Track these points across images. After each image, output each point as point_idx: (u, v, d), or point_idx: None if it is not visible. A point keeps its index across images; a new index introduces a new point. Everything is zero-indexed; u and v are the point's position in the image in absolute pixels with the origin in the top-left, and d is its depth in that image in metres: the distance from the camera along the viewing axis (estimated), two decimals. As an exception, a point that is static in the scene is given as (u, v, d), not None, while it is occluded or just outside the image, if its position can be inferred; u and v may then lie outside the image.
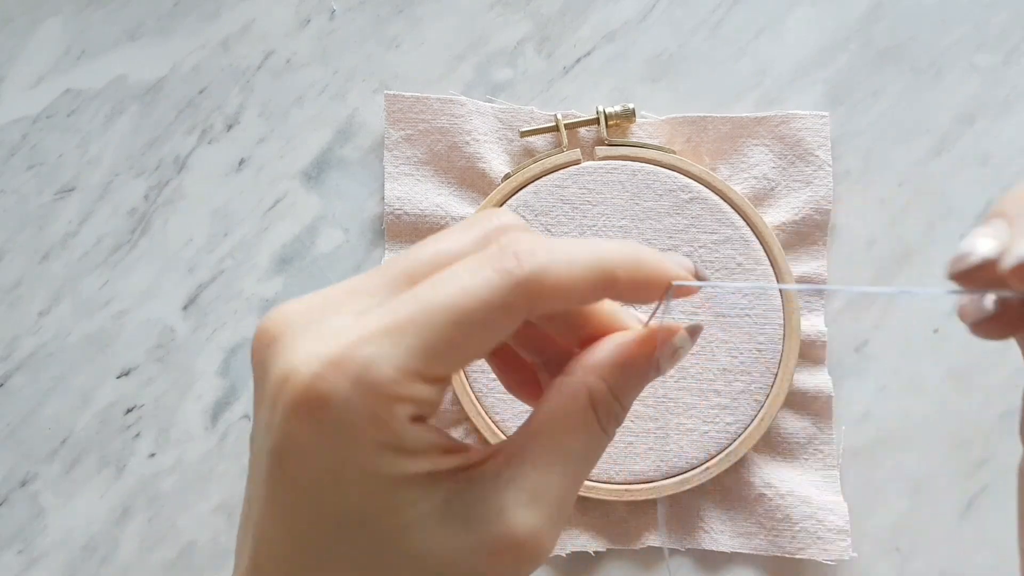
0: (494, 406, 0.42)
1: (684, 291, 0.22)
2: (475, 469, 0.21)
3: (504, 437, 0.42)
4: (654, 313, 0.23)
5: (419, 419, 0.20)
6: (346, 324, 0.19)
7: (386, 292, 0.20)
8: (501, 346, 0.24)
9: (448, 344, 0.19)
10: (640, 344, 0.23)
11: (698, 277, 0.23)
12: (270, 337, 0.20)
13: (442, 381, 0.20)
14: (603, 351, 0.23)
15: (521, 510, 0.21)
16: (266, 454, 0.20)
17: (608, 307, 0.24)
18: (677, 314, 0.42)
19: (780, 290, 0.42)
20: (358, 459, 0.19)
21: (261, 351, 0.20)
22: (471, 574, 0.21)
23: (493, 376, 0.42)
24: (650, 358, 0.23)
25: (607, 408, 0.22)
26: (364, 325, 0.19)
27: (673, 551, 0.43)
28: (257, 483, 0.21)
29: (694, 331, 0.24)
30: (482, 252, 0.20)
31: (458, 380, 0.42)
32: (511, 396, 0.42)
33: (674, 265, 0.22)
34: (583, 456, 0.22)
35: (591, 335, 0.24)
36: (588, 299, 0.21)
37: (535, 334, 0.25)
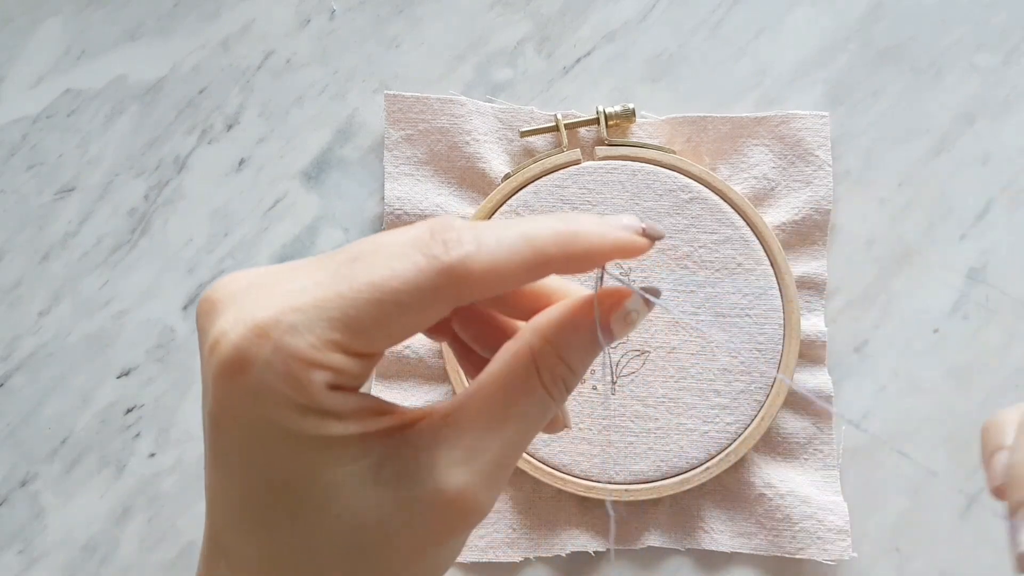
0: (494, 406, 0.42)
1: (631, 252, 0.22)
2: (410, 429, 0.21)
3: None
4: (600, 279, 0.23)
5: (338, 387, 0.20)
6: (280, 294, 0.20)
7: (327, 270, 0.21)
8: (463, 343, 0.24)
9: (370, 321, 0.19)
10: (585, 305, 0.23)
11: (648, 234, 0.22)
12: (210, 304, 0.21)
13: (365, 356, 0.20)
14: (548, 314, 0.23)
15: (453, 468, 0.21)
16: (206, 417, 0.21)
17: (556, 282, 0.24)
18: (677, 314, 0.42)
19: (777, 283, 0.42)
20: (280, 421, 0.19)
21: (202, 317, 0.21)
22: (404, 533, 0.21)
23: (493, 376, 0.42)
24: (596, 319, 0.22)
25: (551, 368, 0.22)
26: (296, 297, 0.20)
27: (673, 551, 0.43)
28: (205, 447, 0.21)
29: (650, 294, 0.23)
30: (415, 238, 0.20)
31: (458, 380, 0.42)
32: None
33: (613, 230, 0.22)
34: (523, 415, 0.22)
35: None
36: (523, 279, 0.21)
37: (488, 327, 0.26)
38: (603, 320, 0.22)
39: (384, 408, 0.21)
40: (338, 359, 0.20)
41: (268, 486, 0.20)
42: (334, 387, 0.20)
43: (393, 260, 0.20)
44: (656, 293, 0.23)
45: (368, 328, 0.20)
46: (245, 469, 0.20)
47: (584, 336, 0.22)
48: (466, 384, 0.42)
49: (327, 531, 0.21)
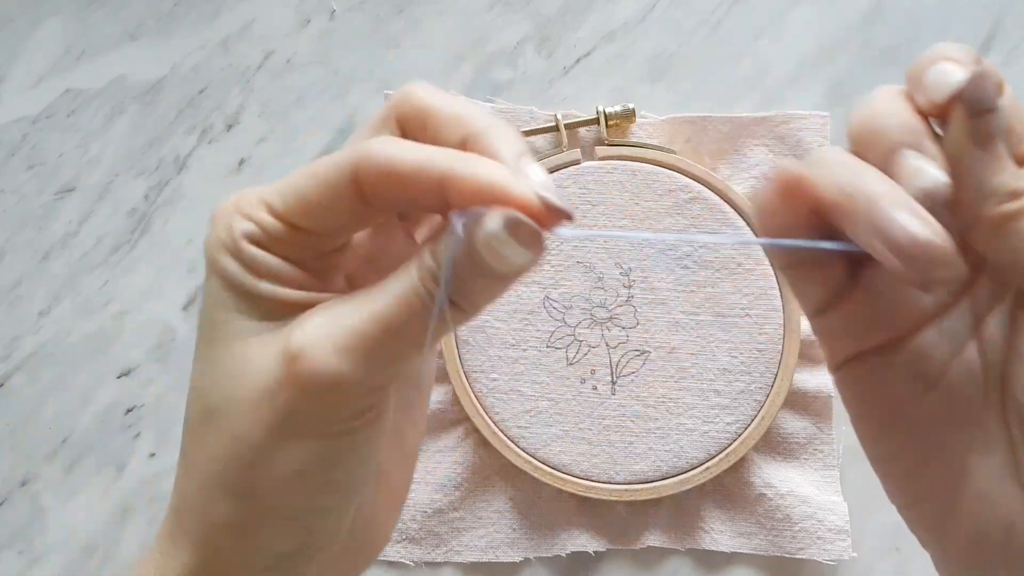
0: (494, 406, 0.42)
1: (515, 203, 0.21)
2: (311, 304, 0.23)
3: (504, 437, 0.42)
4: (444, 228, 0.22)
5: (258, 243, 0.23)
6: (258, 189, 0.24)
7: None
8: None
9: (297, 192, 0.22)
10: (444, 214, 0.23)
11: (547, 204, 0.20)
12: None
13: (292, 226, 0.23)
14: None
15: (307, 328, 0.22)
16: None
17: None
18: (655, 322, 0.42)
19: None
20: (212, 261, 0.23)
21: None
22: (269, 384, 0.22)
23: (493, 376, 0.42)
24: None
25: (421, 258, 0.22)
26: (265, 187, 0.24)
27: (673, 551, 0.43)
28: None
29: (513, 226, 0.20)
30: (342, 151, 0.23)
31: (458, 380, 0.42)
32: (511, 396, 0.42)
33: (517, 188, 0.21)
34: (389, 292, 0.22)
35: None
36: (421, 190, 0.21)
37: None
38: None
39: (295, 280, 0.23)
40: (263, 216, 0.23)
41: (199, 328, 0.24)
42: (254, 240, 0.23)
43: (328, 158, 0.23)
44: (514, 219, 0.20)
45: (296, 197, 0.23)
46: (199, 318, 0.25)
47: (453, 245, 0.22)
48: (466, 384, 0.42)
49: (218, 371, 0.24)
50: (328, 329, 0.22)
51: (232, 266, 0.23)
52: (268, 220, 0.23)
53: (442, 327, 0.22)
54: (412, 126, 0.24)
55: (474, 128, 0.22)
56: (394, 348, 0.22)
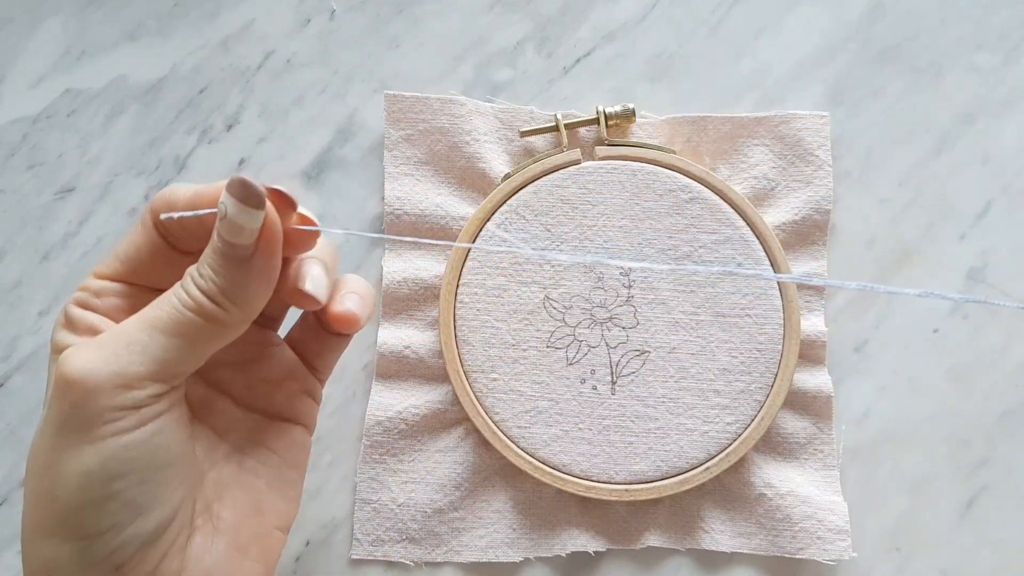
0: (494, 406, 0.42)
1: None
2: None
3: (504, 437, 0.42)
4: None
5: (86, 305, 0.28)
6: None
7: None
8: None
9: (115, 251, 0.29)
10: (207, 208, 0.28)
11: (242, 186, 0.25)
12: None
13: (116, 280, 0.29)
14: None
15: (76, 344, 0.27)
16: None
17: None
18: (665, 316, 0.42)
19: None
20: (52, 341, 0.28)
21: None
22: (49, 400, 0.26)
23: (494, 376, 0.42)
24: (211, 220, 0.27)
25: (187, 271, 0.27)
26: None
27: (673, 551, 0.43)
28: None
29: (232, 185, 0.25)
30: None
31: (458, 380, 0.42)
32: (511, 396, 0.42)
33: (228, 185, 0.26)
34: (155, 302, 0.26)
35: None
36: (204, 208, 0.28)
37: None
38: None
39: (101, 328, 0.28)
40: (89, 281, 0.29)
41: None
42: (81, 303, 0.28)
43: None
44: (239, 181, 0.25)
45: (110, 256, 0.29)
46: None
47: (214, 241, 0.26)
48: (466, 384, 0.42)
49: (39, 424, 0.27)
50: (95, 339, 0.26)
51: (59, 334, 0.27)
52: (93, 283, 0.28)
53: (207, 325, 0.26)
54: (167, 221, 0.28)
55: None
56: (153, 343, 0.25)
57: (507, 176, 0.44)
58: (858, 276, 0.45)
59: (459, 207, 0.44)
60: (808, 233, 0.44)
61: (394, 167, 0.45)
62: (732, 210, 0.43)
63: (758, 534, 0.42)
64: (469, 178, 0.44)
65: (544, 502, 0.43)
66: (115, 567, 0.25)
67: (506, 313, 0.42)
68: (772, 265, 0.43)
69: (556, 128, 0.44)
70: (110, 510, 0.25)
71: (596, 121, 0.44)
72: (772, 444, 0.43)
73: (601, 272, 0.42)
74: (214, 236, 0.26)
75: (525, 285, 0.43)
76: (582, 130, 0.45)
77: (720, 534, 0.42)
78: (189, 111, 0.46)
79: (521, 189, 0.43)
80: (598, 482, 0.42)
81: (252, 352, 0.32)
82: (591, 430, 0.42)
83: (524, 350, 0.42)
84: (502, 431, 0.42)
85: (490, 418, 0.42)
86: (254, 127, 0.46)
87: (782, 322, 0.42)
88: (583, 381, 0.42)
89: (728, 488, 0.43)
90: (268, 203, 0.26)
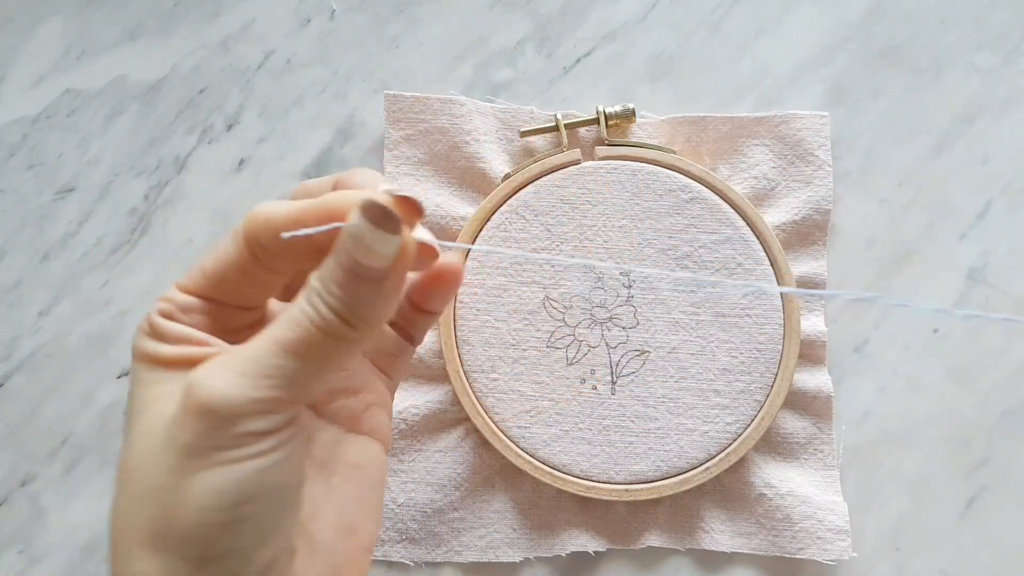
0: (494, 406, 0.42)
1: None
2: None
3: (504, 437, 0.42)
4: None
5: (168, 315, 0.27)
6: None
7: None
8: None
9: (202, 266, 0.27)
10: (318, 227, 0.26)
11: (397, 197, 0.24)
12: None
13: (202, 297, 0.27)
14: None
15: (206, 362, 0.25)
16: None
17: None
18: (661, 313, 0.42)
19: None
20: (133, 347, 0.27)
21: None
22: (173, 422, 0.24)
23: (494, 376, 0.42)
24: (329, 241, 0.25)
25: (308, 284, 0.25)
26: None
27: (673, 551, 0.43)
28: None
29: (367, 209, 0.24)
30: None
31: (458, 380, 0.42)
32: (511, 396, 0.42)
33: (352, 197, 0.25)
34: (280, 320, 0.25)
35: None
36: (299, 236, 0.26)
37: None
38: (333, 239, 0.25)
39: (203, 341, 0.26)
40: (173, 293, 0.27)
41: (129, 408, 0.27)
42: (165, 314, 0.26)
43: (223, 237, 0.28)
44: (372, 204, 0.24)
45: (196, 271, 0.27)
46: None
47: (329, 259, 0.25)
48: (466, 384, 0.42)
49: (135, 438, 0.25)
50: (224, 359, 0.24)
51: (145, 343, 0.26)
52: (177, 296, 0.27)
53: (338, 345, 0.24)
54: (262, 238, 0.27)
55: (334, 180, 0.27)
56: (287, 366, 0.24)
57: (507, 176, 0.44)
58: (858, 276, 0.45)
59: (459, 207, 0.44)
60: (808, 233, 0.44)
61: (394, 167, 0.45)
62: (732, 210, 0.43)
63: (758, 534, 0.42)
64: (469, 178, 0.44)
65: (544, 502, 0.43)
66: None
67: (506, 313, 0.42)
68: (772, 265, 0.43)
69: (556, 128, 0.44)
70: (239, 531, 0.24)
71: (596, 121, 0.44)
72: (772, 444, 0.43)
73: (601, 272, 0.42)
74: (339, 253, 0.24)
75: (525, 285, 0.43)
76: (582, 130, 0.45)
77: (720, 534, 0.42)
78: (189, 111, 0.46)
79: (521, 189, 0.43)
80: (598, 482, 0.42)
81: None
82: (591, 430, 0.42)
83: (524, 350, 0.42)
84: (502, 431, 0.42)
85: (490, 418, 0.42)
86: (254, 127, 0.46)
87: (782, 322, 0.42)
88: (583, 381, 0.42)
89: (728, 488, 0.43)
90: (404, 227, 0.24)
